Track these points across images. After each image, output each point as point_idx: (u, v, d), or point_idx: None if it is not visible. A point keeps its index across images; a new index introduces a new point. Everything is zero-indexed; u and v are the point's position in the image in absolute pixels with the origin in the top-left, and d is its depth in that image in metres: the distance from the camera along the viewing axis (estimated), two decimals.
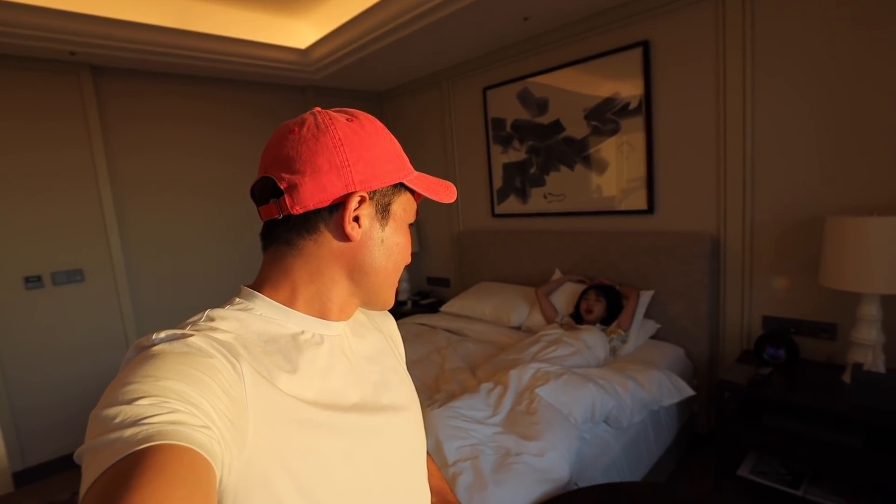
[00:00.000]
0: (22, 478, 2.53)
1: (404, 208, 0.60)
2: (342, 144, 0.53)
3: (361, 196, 0.54)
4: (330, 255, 0.56)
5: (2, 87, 2.40)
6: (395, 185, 0.59)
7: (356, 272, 0.58)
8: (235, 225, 3.18)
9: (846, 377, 1.78)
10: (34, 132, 2.49)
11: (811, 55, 1.87)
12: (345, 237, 0.55)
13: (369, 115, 0.59)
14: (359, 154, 0.54)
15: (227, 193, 3.15)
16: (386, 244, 0.58)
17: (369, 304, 0.62)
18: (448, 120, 3.40)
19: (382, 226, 0.58)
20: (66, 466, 2.64)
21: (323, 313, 0.57)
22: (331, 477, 0.49)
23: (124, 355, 0.44)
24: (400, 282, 3.27)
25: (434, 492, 0.76)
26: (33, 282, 2.51)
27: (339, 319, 0.59)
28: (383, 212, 0.58)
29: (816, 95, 1.88)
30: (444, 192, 0.63)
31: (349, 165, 0.53)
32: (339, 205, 0.54)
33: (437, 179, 0.64)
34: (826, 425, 1.71)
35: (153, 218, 2.92)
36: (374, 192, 0.56)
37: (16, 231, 2.46)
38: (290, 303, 0.56)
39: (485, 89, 3.09)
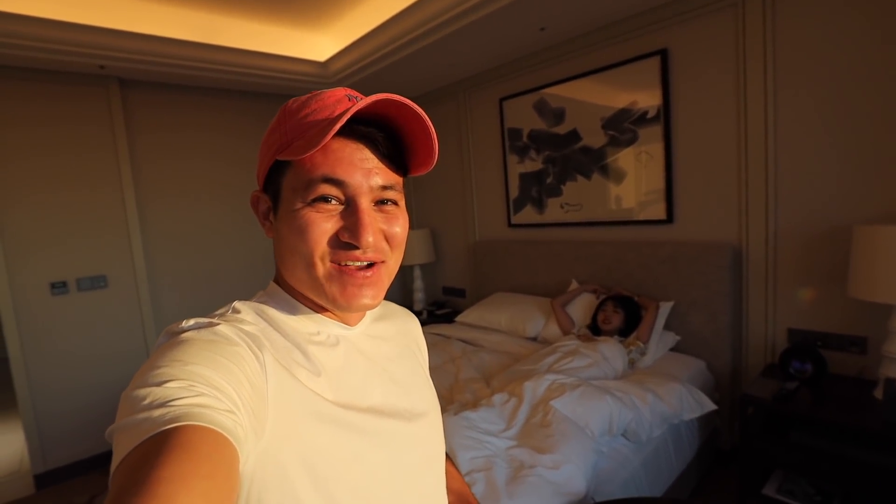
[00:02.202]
0: (43, 480, 2.57)
1: (292, 187, 0.51)
2: (259, 151, 0.56)
3: (256, 194, 0.57)
4: (276, 255, 0.57)
5: (35, 99, 2.50)
6: (275, 167, 0.53)
7: (285, 268, 0.55)
8: (256, 232, 3.23)
9: (878, 393, 1.70)
10: (64, 141, 2.58)
11: (833, 61, 1.83)
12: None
13: (291, 99, 0.56)
14: (260, 151, 0.56)
15: (246, 200, 3.20)
16: (280, 234, 0.53)
17: (327, 305, 0.54)
18: (464, 130, 3.42)
19: (276, 216, 0.54)
20: (86, 470, 2.68)
21: (325, 313, 0.58)
22: (345, 475, 0.49)
23: (144, 363, 0.46)
24: (415, 291, 3.29)
25: (453, 492, 0.74)
26: (59, 287, 2.58)
27: (343, 321, 0.59)
28: (275, 199, 0.54)
29: (839, 102, 1.84)
30: (319, 132, 0.47)
31: (257, 169, 0.57)
32: None
33: (332, 117, 0.49)
34: (857, 443, 1.64)
35: (174, 224, 2.98)
36: (267, 185, 0.55)
37: (43, 236, 2.54)
38: (298, 299, 0.56)
39: (501, 100, 3.10)
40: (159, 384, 0.38)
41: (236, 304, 0.53)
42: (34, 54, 2.28)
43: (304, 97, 0.53)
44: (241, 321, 0.50)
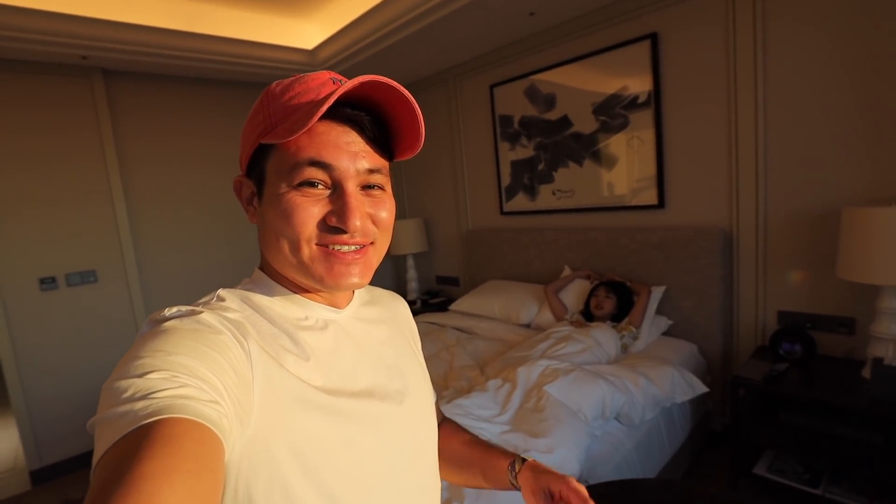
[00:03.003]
0: (38, 476, 2.56)
1: (276, 170, 0.50)
2: (241, 136, 0.56)
3: (239, 179, 0.56)
4: (260, 240, 0.56)
5: (18, 91, 2.45)
6: (261, 149, 0.52)
7: (270, 252, 0.54)
8: (248, 224, 3.21)
9: (866, 372, 1.73)
10: (49, 132, 2.54)
11: (824, 41, 1.83)
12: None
13: (273, 83, 0.55)
14: (242, 136, 0.56)
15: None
16: (265, 218, 0.53)
17: (308, 281, 0.53)
18: (455, 118, 3.39)
19: (260, 199, 0.53)
20: (81, 465, 2.67)
21: (312, 296, 0.57)
22: (335, 461, 0.49)
23: (126, 353, 0.45)
24: (409, 280, 3.28)
25: (527, 467, 0.70)
26: (48, 283, 2.55)
27: (332, 304, 0.58)
28: (259, 183, 0.53)
29: (830, 83, 1.84)
30: (304, 114, 0.47)
31: (240, 154, 0.56)
32: None
33: (317, 99, 0.49)
34: (845, 422, 1.67)
35: (165, 217, 2.95)
36: (251, 169, 0.54)
37: (31, 234, 2.50)
38: (284, 285, 0.56)
39: (492, 86, 3.07)
40: (141, 375, 0.37)
41: (220, 291, 0.53)
42: (15, 45, 2.23)
43: (287, 80, 0.53)
44: (226, 308, 0.49)
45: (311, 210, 0.49)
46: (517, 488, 0.69)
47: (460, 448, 0.77)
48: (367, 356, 0.58)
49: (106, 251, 2.72)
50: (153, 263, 2.92)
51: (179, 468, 0.33)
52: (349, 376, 0.55)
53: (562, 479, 0.65)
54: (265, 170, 0.51)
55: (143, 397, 0.36)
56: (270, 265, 0.56)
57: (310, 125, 0.45)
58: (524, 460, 0.71)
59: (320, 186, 0.50)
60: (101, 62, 2.58)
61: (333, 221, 0.50)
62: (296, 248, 0.50)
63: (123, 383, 0.37)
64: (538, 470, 0.68)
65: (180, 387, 0.37)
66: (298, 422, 0.47)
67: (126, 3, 2.41)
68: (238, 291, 0.54)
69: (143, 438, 0.33)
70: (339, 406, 0.51)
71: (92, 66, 2.62)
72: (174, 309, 0.46)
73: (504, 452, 0.74)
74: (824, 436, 1.65)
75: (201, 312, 0.46)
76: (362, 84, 0.46)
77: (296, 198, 0.49)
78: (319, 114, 0.45)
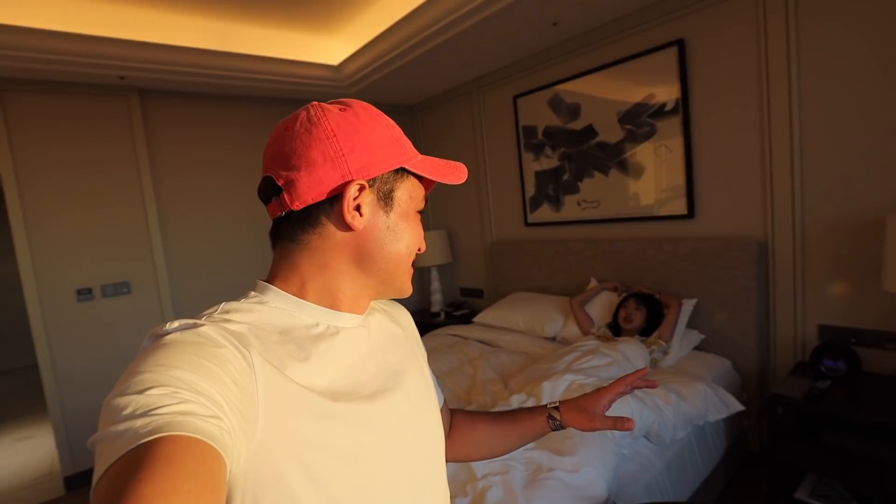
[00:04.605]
0: (72, 482, 2.64)
1: (410, 195, 0.59)
2: (335, 135, 0.53)
3: (360, 184, 0.54)
4: (335, 246, 0.56)
5: (58, 111, 2.57)
6: (397, 171, 0.57)
7: (365, 261, 0.57)
8: None
9: None
10: (86, 150, 2.65)
11: (861, 42, 1.75)
12: (347, 227, 0.55)
13: (363, 103, 0.58)
14: (353, 143, 0.54)
15: (263, 207, 3.24)
16: (392, 230, 0.57)
17: (384, 292, 0.61)
18: (479, 129, 3.39)
19: (387, 212, 0.57)
20: None
21: (335, 305, 0.57)
22: (345, 470, 0.48)
23: (127, 368, 0.45)
24: (433, 293, 3.28)
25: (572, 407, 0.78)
26: (85, 294, 2.64)
27: (352, 311, 0.59)
28: (386, 198, 0.57)
29: (868, 85, 1.75)
30: (451, 173, 0.61)
31: (343, 155, 0.53)
32: (340, 196, 0.54)
33: (444, 161, 0.62)
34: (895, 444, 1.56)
35: (196, 230, 3.03)
36: (375, 179, 0.55)
37: (70, 245, 2.61)
38: (301, 295, 0.56)
39: (515, 97, 3.06)
40: (141, 392, 0.37)
41: (225, 303, 0.52)
42: (57, 67, 2.35)
43: (375, 108, 0.59)
44: (229, 321, 0.49)
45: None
46: (565, 429, 0.78)
47: (487, 428, 0.81)
48: (373, 363, 0.59)
49: (139, 262, 2.81)
50: (185, 274, 3.00)
51: (179, 489, 0.32)
52: (356, 383, 0.54)
53: (598, 395, 0.76)
54: (395, 188, 0.57)
55: (143, 414, 0.35)
56: (325, 272, 0.56)
57: (456, 182, 0.61)
58: (556, 407, 0.78)
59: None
60: (138, 82, 2.69)
61: (423, 244, 0.63)
62: (410, 259, 0.60)
63: (123, 400, 0.37)
64: (579, 406, 0.76)
65: (180, 402, 0.37)
66: (305, 432, 0.46)
67: (160, 25, 2.51)
68: (243, 303, 0.54)
69: (142, 458, 0.33)
70: (345, 414, 0.50)
71: (129, 87, 2.73)
72: (176, 322, 0.46)
73: (528, 412, 0.81)
74: (872, 459, 1.55)
75: (203, 325, 0.46)
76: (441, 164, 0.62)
77: (419, 221, 0.61)
78: (459, 180, 0.62)
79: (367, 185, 0.54)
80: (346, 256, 0.56)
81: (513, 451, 0.83)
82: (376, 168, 0.55)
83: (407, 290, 0.62)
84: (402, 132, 0.60)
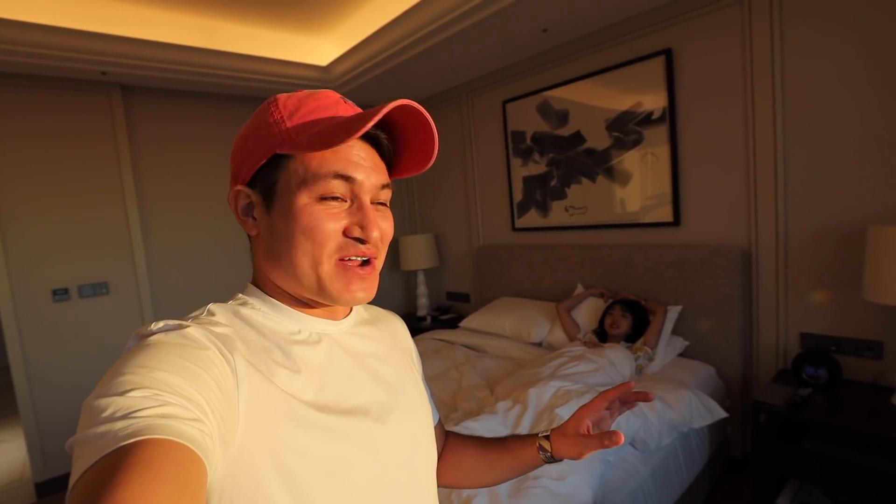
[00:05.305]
0: (44, 488, 2.55)
1: (297, 180, 0.50)
2: (237, 147, 0.55)
3: (238, 189, 0.54)
4: (258, 252, 0.56)
5: (37, 107, 2.50)
6: (273, 160, 0.51)
7: (283, 266, 0.52)
8: None
9: (895, 399, 1.64)
10: (66, 146, 2.58)
11: (846, 50, 1.79)
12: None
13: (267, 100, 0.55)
14: (242, 147, 0.55)
15: None
16: (276, 228, 0.52)
17: (317, 296, 0.53)
18: (468, 134, 3.39)
19: (269, 210, 0.52)
20: None
21: (305, 309, 0.56)
22: (327, 482, 0.47)
23: (109, 369, 0.43)
24: (419, 296, 3.25)
25: (562, 433, 0.71)
26: (61, 294, 2.57)
27: (328, 318, 0.57)
28: (268, 194, 0.52)
29: (853, 95, 1.79)
30: (341, 130, 0.47)
31: (238, 165, 0.55)
32: None
33: (349, 116, 0.50)
34: (874, 451, 1.58)
35: (177, 231, 2.97)
36: (255, 179, 0.53)
37: (45, 245, 2.53)
38: (277, 298, 0.55)
39: (504, 102, 3.07)
40: (122, 393, 0.36)
41: (211, 305, 0.52)
42: (37, 61, 2.29)
43: (297, 94, 0.54)
44: (214, 323, 0.48)
45: (335, 223, 0.50)
46: (558, 461, 0.71)
47: (476, 454, 0.76)
48: (362, 372, 0.57)
49: (118, 262, 2.74)
50: (166, 275, 2.93)
51: (158, 494, 0.31)
52: (343, 392, 0.53)
53: (578, 416, 0.69)
54: (277, 180, 0.51)
55: (123, 417, 0.34)
56: (268, 277, 0.55)
57: (353, 138, 0.46)
58: (546, 437, 0.71)
59: (340, 200, 0.51)
60: (120, 78, 2.63)
61: (356, 232, 0.51)
62: (317, 262, 0.51)
63: (103, 402, 0.36)
64: (564, 433, 0.69)
65: (162, 405, 0.36)
66: (286, 439, 0.45)
67: (145, 21, 2.46)
68: (229, 306, 0.53)
69: (121, 461, 0.32)
70: (329, 423, 0.49)
71: (111, 82, 2.67)
72: (161, 323, 0.45)
73: (520, 440, 0.74)
74: (851, 466, 1.57)
75: (188, 327, 0.45)
76: (393, 107, 0.48)
77: (319, 211, 0.50)
78: (364, 129, 0.45)
79: (244, 188, 0.54)
80: (270, 263, 0.54)
81: (500, 483, 0.77)
82: (248, 166, 0.53)
83: (347, 297, 0.52)
84: (288, 113, 0.51)
